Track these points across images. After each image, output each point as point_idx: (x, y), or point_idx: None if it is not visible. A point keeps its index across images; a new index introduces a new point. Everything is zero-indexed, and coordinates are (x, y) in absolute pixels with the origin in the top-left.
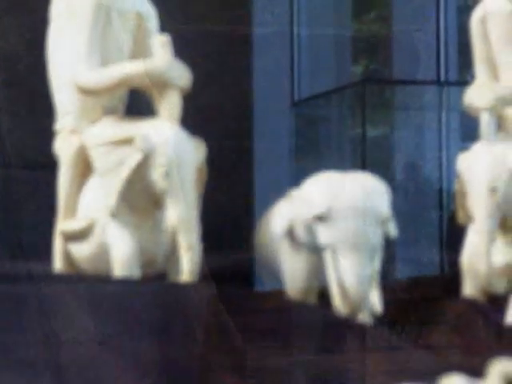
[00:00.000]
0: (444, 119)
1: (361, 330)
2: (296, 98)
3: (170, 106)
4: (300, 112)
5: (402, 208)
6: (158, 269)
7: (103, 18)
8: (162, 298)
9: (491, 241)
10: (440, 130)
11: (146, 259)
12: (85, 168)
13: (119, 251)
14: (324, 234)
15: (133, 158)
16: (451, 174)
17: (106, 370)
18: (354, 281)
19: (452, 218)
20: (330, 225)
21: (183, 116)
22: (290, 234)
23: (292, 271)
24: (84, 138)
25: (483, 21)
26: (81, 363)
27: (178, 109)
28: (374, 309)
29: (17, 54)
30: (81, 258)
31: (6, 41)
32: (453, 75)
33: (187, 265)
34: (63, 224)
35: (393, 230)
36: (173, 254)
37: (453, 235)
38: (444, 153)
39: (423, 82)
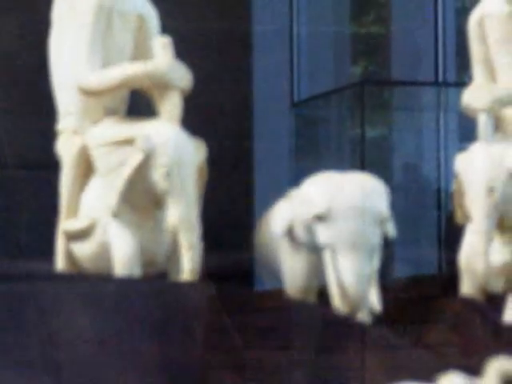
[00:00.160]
0: (442, 120)
1: (360, 329)
2: (296, 98)
3: (170, 107)
4: (300, 112)
5: (400, 208)
6: (158, 268)
7: (105, 19)
8: (163, 297)
9: (489, 240)
10: (438, 131)
11: (146, 259)
12: (86, 168)
13: (120, 250)
14: (323, 234)
15: (134, 158)
16: (449, 174)
17: (106, 369)
18: (353, 280)
19: (450, 217)
20: (329, 225)
21: (183, 116)
22: (290, 233)
23: (292, 271)
24: (86, 139)
25: (481, 22)
26: (81, 362)
27: (178, 110)
28: (373, 308)
29: (17, 54)
30: (82, 258)
31: (7, 41)
32: (451, 76)
33: (188, 264)
34: (65, 223)
35: (391, 230)
36: (173, 253)
37: (451, 235)
38: (442, 153)
39: (422, 83)
